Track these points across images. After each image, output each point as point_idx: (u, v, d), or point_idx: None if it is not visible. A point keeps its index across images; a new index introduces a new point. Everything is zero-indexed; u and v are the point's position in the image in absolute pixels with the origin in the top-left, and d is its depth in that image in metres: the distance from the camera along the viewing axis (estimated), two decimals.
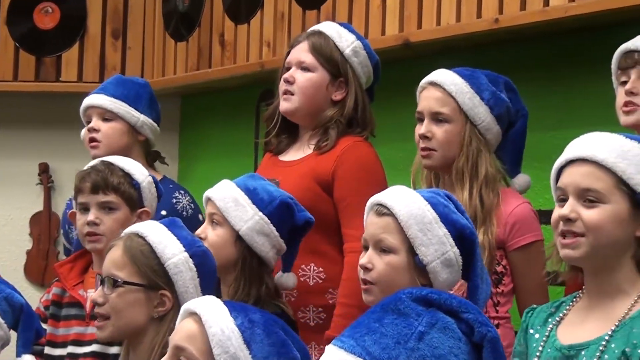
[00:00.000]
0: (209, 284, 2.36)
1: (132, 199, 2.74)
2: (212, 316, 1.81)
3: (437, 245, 2.12)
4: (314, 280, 2.81)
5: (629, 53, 2.50)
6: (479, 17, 3.39)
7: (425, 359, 1.50)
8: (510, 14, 3.26)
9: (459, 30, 3.41)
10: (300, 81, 2.91)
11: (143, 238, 2.32)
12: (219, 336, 1.78)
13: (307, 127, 2.95)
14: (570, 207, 1.96)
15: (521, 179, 2.74)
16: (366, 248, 2.19)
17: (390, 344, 1.51)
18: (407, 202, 2.15)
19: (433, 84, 2.65)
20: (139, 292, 2.29)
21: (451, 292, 2.05)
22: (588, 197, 1.96)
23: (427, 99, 2.66)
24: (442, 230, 2.13)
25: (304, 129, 2.97)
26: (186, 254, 2.31)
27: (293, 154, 2.97)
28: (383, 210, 2.16)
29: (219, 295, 2.23)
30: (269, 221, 2.60)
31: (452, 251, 2.13)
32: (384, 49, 3.42)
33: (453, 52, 3.52)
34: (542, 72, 3.39)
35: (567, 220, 1.96)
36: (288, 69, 2.96)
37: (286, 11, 4.16)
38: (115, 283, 2.29)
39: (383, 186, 2.77)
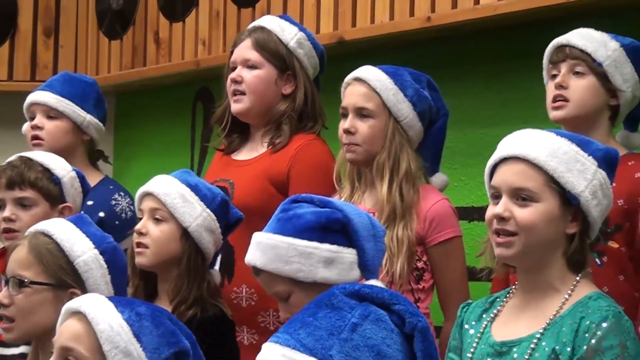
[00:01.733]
0: (121, 281, 2.34)
1: (52, 194, 2.71)
2: (98, 313, 1.79)
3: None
4: None
5: (561, 47, 2.55)
6: (412, 15, 3.44)
7: (358, 349, 1.53)
8: (442, 12, 3.32)
9: (393, 28, 3.46)
10: (249, 79, 2.89)
11: (49, 236, 2.28)
12: (108, 332, 1.77)
13: (260, 125, 2.93)
14: (504, 206, 1.99)
15: (439, 178, 2.77)
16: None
17: (324, 335, 1.54)
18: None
19: (358, 79, 2.68)
20: (47, 292, 2.25)
21: None
22: (521, 196, 1.99)
23: (351, 94, 2.69)
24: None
25: (255, 127, 2.96)
26: (96, 251, 2.29)
27: (246, 153, 2.95)
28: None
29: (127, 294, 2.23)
30: (215, 218, 2.61)
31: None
32: None
33: (387, 49, 3.56)
34: (475, 70, 3.45)
35: (501, 219, 1.99)
36: (233, 68, 2.93)
37: (221, 9, 4.17)
38: (21, 283, 2.24)
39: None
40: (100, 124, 3.39)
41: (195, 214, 2.58)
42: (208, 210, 2.59)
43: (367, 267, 2.11)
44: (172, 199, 2.58)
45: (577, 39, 2.52)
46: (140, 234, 2.57)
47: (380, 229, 2.15)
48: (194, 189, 2.61)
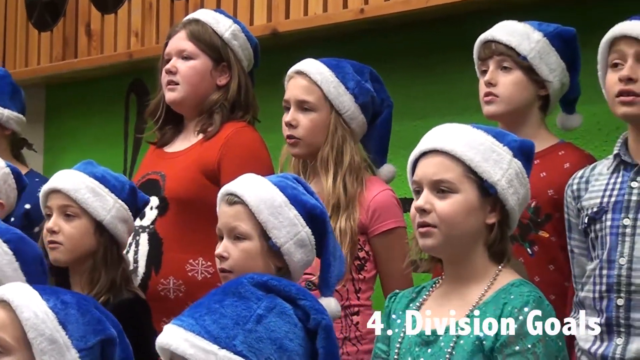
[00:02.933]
0: (34, 269, 2.31)
1: None
2: (23, 301, 1.80)
3: (289, 227, 2.17)
4: (202, 275, 2.79)
5: (487, 43, 2.58)
6: (345, 7, 3.46)
7: (261, 341, 1.55)
8: (374, 5, 3.34)
9: (326, 20, 3.47)
10: (183, 70, 2.88)
11: None
12: (33, 320, 1.77)
13: (193, 116, 2.92)
14: (425, 198, 2.03)
15: (386, 169, 2.79)
16: (221, 238, 2.22)
17: (229, 324, 1.56)
18: (255, 188, 2.20)
19: (299, 73, 2.69)
20: None
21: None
22: (441, 188, 2.02)
23: (293, 87, 2.69)
24: (292, 212, 2.18)
25: (188, 118, 2.94)
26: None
27: (179, 145, 2.94)
28: (234, 199, 2.20)
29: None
30: (127, 207, 2.61)
31: (304, 231, 2.18)
32: None
33: (320, 41, 3.57)
34: (407, 62, 3.48)
35: (422, 211, 2.03)
36: (168, 60, 2.92)
37: (154, 1, 4.14)
38: None
39: (269, 171, 2.80)
40: (20, 116, 3.35)
41: (108, 206, 2.57)
42: (120, 201, 2.59)
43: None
44: (83, 194, 2.56)
45: (501, 34, 2.55)
46: (53, 232, 2.54)
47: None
48: (102, 180, 2.60)
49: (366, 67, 2.75)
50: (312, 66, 2.68)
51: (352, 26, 3.45)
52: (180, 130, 2.96)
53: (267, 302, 1.58)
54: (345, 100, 2.67)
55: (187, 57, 2.89)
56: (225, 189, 2.23)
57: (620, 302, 2.21)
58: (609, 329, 2.22)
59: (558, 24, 2.60)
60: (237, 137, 2.84)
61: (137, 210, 2.68)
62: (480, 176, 2.02)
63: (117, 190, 2.60)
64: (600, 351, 2.23)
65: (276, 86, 2.83)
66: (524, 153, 2.09)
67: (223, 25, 2.92)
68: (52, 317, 1.78)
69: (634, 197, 2.24)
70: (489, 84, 2.54)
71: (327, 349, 1.56)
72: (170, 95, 2.90)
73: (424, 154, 2.06)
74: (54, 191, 2.58)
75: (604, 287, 2.24)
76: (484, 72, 2.58)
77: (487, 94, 2.55)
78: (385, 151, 2.80)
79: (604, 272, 2.24)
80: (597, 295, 2.25)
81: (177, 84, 2.89)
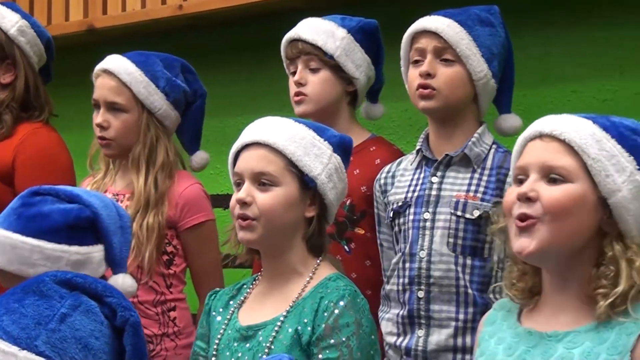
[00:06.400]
0: None
1: None
2: None
3: None
4: None
5: (294, 42, 2.60)
6: (164, 3, 3.43)
7: (65, 340, 1.51)
8: (193, 1, 3.32)
9: (145, 16, 3.43)
10: None
11: None
12: None
13: None
14: (246, 191, 2.02)
15: (199, 156, 2.77)
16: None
17: (30, 324, 1.51)
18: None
19: (107, 72, 2.64)
20: None
21: None
22: (262, 181, 2.03)
23: (101, 87, 2.65)
24: None
25: None
26: None
27: None
28: None
29: None
30: None
31: None
32: (68, 35, 3.38)
33: (139, 38, 3.52)
34: (227, 58, 3.47)
35: (243, 203, 2.02)
36: None
37: None
38: None
39: (68, 172, 2.73)
40: None
41: None
42: None
43: (114, 262, 2.07)
44: None
45: (306, 33, 2.58)
46: None
47: (126, 219, 2.12)
48: None
49: (177, 59, 2.71)
50: (120, 65, 2.63)
51: (171, 22, 3.42)
52: None
53: (72, 300, 1.54)
54: (156, 100, 2.64)
55: None
56: None
57: (421, 294, 2.26)
58: (411, 321, 2.27)
59: (361, 18, 2.63)
60: (32, 138, 2.77)
61: None
62: (301, 170, 2.04)
63: None
64: (404, 344, 2.28)
65: (93, 84, 2.77)
66: (343, 148, 2.12)
67: (9, 20, 2.83)
68: None
69: (433, 192, 2.29)
70: (299, 83, 2.57)
71: (135, 346, 1.53)
72: None
73: (246, 146, 2.06)
74: None
75: (406, 280, 2.29)
76: (293, 73, 2.60)
77: (297, 94, 2.58)
78: (199, 139, 2.78)
79: (406, 265, 2.29)
80: (400, 287, 2.30)
81: None
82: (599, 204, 1.69)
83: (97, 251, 2.05)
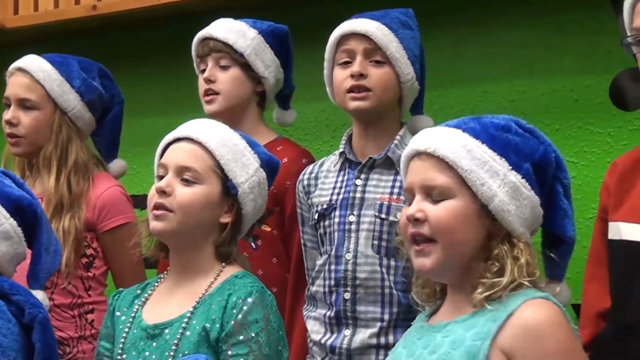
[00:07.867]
0: None
1: None
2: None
3: None
4: None
5: (205, 41, 2.62)
6: (78, 3, 3.39)
7: None
8: (107, 1, 3.29)
9: (57, 16, 3.39)
10: None
11: None
12: None
13: None
14: (167, 181, 2.02)
15: (117, 164, 2.76)
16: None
17: None
18: None
19: (21, 70, 2.62)
20: None
21: None
22: (185, 177, 2.03)
23: (14, 85, 2.62)
24: None
25: None
26: None
27: None
28: None
29: None
30: None
31: (8, 223, 2.05)
32: None
33: (52, 38, 3.48)
34: (142, 59, 3.45)
35: (162, 192, 2.01)
36: None
37: None
38: None
39: None
40: None
41: None
42: None
43: (34, 274, 2.05)
44: None
45: (218, 31, 2.60)
46: None
47: (60, 249, 2.13)
48: None
49: (95, 63, 2.71)
50: (34, 63, 2.62)
51: (85, 23, 3.39)
52: None
53: None
54: (70, 99, 2.62)
55: None
56: None
57: (347, 295, 2.28)
58: (338, 322, 2.30)
59: (271, 22, 2.66)
60: None
61: None
62: (226, 174, 2.05)
63: None
64: (329, 342, 2.30)
65: (3, 85, 2.73)
66: (270, 167, 2.14)
67: None
68: None
69: (358, 195, 2.32)
70: (208, 80, 2.58)
71: (44, 343, 1.53)
72: None
73: (177, 140, 2.06)
74: None
75: (332, 282, 2.31)
76: (203, 71, 2.61)
77: (207, 92, 2.59)
78: (117, 146, 2.78)
79: (332, 267, 2.31)
80: (327, 289, 2.32)
81: None
82: (482, 212, 1.75)
83: (22, 246, 2.04)
